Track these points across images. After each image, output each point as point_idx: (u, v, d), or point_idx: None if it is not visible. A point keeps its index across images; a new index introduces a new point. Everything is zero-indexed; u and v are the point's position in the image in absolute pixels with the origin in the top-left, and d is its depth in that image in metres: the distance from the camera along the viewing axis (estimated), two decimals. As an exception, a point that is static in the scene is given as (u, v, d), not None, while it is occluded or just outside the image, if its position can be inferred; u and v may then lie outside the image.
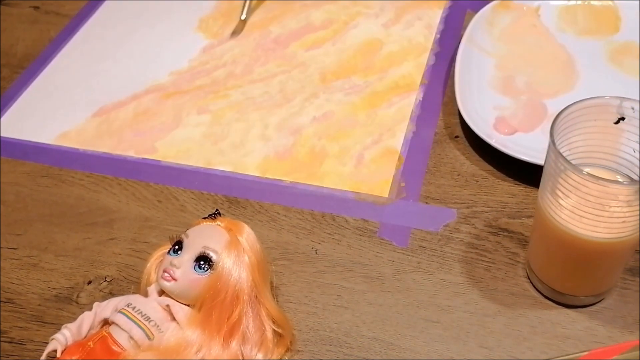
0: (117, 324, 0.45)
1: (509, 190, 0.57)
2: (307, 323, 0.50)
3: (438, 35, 0.74)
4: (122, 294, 0.50)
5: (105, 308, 0.47)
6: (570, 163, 0.40)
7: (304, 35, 0.76)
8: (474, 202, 0.57)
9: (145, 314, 0.45)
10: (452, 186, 0.58)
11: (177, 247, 0.47)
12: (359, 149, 0.63)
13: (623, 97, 0.43)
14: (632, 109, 0.43)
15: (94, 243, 0.57)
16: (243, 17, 0.78)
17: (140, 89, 0.72)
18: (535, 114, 0.62)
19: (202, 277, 0.45)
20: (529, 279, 0.51)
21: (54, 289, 0.54)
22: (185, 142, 0.66)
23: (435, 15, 0.76)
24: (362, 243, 0.55)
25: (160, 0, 0.83)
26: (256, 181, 0.61)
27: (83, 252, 0.57)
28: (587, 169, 0.41)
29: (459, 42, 0.68)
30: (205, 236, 0.47)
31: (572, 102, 0.43)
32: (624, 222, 0.42)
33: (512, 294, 0.50)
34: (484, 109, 0.62)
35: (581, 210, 0.42)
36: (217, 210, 0.50)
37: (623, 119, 0.43)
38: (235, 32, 0.77)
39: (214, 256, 0.46)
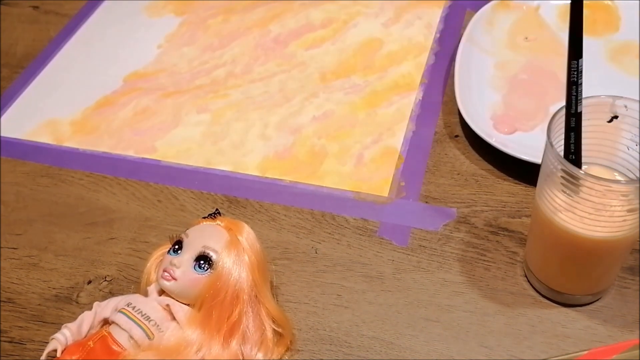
0: (117, 324, 0.45)
1: (508, 189, 0.57)
2: (307, 322, 0.50)
3: (438, 35, 0.74)
4: (122, 294, 0.50)
5: (105, 308, 0.47)
6: (567, 162, 0.40)
7: (303, 34, 0.76)
8: (474, 202, 0.57)
9: (145, 314, 0.45)
10: (451, 185, 0.58)
11: (177, 246, 0.47)
12: (358, 149, 0.63)
13: (616, 96, 0.43)
14: (625, 107, 0.43)
15: (94, 243, 0.57)
16: None
17: (139, 88, 0.72)
18: (536, 113, 0.62)
19: (202, 277, 0.45)
20: (526, 277, 0.51)
21: (54, 288, 0.54)
22: (185, 141, 0.66)
23: (435, 15, 0.76)
24: (362, 242, 0.55)
25: (160, 0, 0.83)
26: (256, 181, 0.61)
27: (83, 252, 0.57)
28: (584, 168, 0.41)
29: (459, 42, 0.68)
30: (205, 236, 0.47)
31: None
32: (623, 220, 0.42)
33: (512, 293, 0.50)
34: (484, 109, 0.62)
35: (578, 209, 0.42)
36: (217, 209, 0.50)
37: (616, 117, 0.43)
38: None
39: (214, 256, 0.46)
